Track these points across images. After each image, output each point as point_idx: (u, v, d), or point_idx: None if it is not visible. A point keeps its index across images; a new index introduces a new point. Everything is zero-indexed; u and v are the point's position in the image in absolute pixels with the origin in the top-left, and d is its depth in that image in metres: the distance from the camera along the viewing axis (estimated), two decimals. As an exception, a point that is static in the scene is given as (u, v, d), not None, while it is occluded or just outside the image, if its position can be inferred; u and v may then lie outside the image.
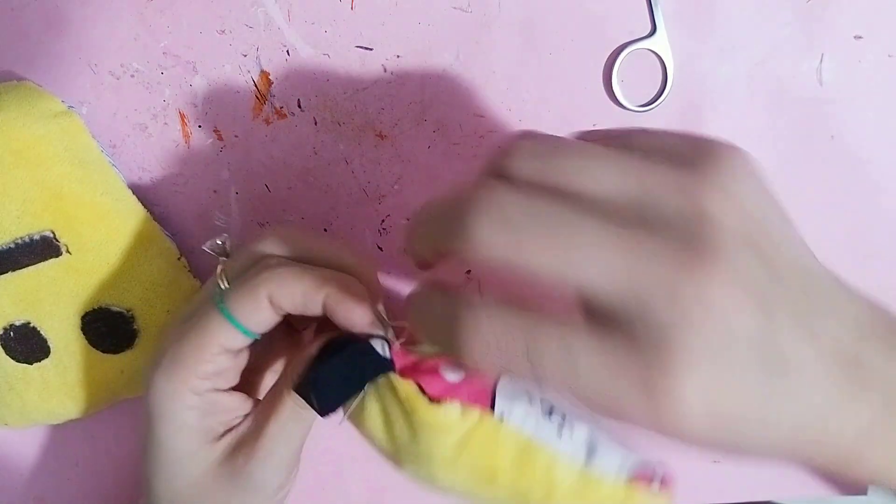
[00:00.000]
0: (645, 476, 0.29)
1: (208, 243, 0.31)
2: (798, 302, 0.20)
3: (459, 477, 0.28)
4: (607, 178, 0.20)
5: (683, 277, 0.18)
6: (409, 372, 0.28)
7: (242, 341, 0.29)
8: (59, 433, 0.39)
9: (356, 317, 0.28)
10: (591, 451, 0.29)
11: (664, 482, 0.30)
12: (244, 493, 0.29)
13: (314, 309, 0.28)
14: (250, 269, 0.29)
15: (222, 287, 0.29)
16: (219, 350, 0.28)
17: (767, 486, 0.43)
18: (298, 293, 0.28)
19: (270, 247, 0.30)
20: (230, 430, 0.30)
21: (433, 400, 0.27)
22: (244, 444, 0.30)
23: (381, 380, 0.28)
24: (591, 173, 0.20)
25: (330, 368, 0.28)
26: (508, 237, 0.20)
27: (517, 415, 0.28)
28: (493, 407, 0.28)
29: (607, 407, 0.19)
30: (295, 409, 0.29)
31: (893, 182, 0.39)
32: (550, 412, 0.29)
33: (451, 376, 0.28)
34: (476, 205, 0.20)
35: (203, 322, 0.28)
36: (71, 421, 0.37)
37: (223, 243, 0.31)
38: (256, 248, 0.30)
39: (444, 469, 0.28)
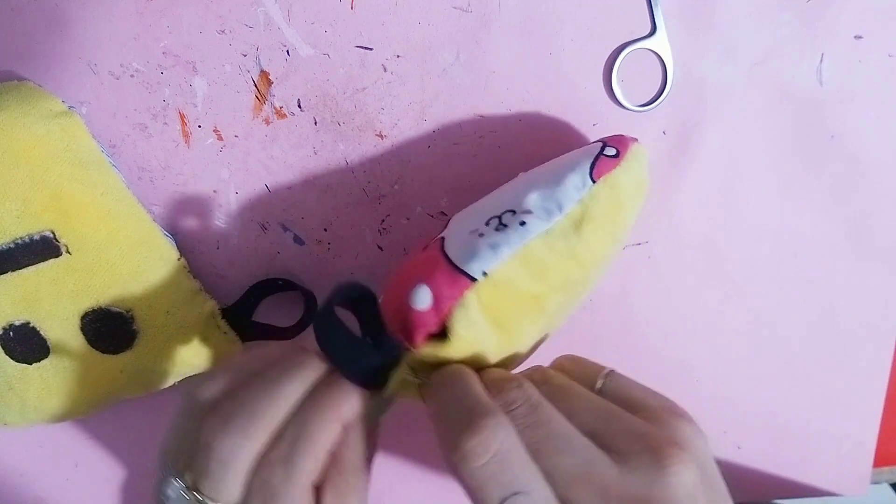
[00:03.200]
0: (604, 167, 0.30)
1: None
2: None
3: (521, 337, 0.30)
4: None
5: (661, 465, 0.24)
6: (404, 338, 0.28)
7: None
8: (59, 433, 0.39)
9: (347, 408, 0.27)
10: (557, 205, 0.29)
11: (619, 146, 0.31)
12: None
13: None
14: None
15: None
16: None
17: (767, 486, 0.43)
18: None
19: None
20: None
21: (438, 336, 0.27)
22: None
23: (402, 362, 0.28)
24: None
25: (349, 344, 0.27)
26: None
27: (490, 256, 0.28)
28: (472, 279, 0.27)
29: None
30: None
31: (893, 182, 0.39)
32: (500, 222, 0.29)
33: (421, 306, 0.28)
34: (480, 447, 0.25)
35: None
36: (71, 421, 0.36)
37: None
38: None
39: (504, 348, 0.29)
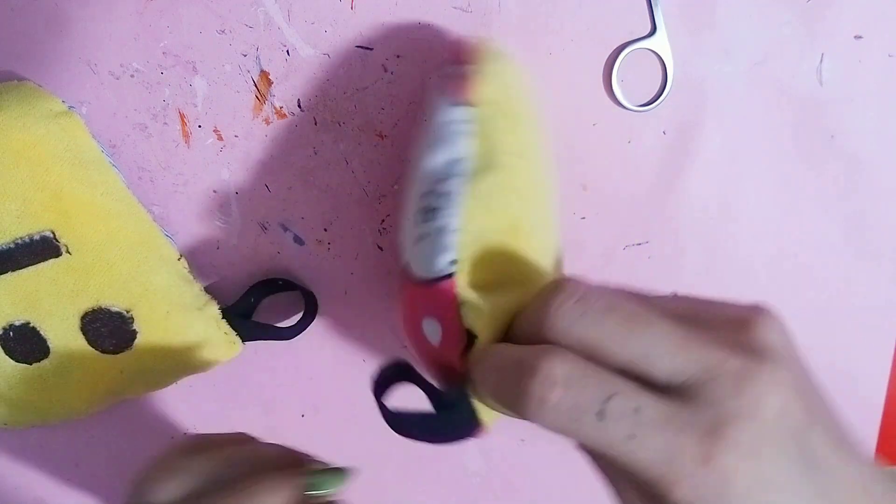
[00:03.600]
0: (460, 89, 0.29)
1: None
2: (830, 426, 0.23)
3: (531, 275, 0.28)
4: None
5: (747, 374, 0.22)
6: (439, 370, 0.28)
7: None
8: (59, 433, 0.39)
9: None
10: (453, 153, 0.28)
11: (462, 60, 0.29)
12: None
13: None
14: None
15: None
16: None
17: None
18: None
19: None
20: None
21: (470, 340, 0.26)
22: None
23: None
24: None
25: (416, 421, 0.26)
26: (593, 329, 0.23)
27: (443, 245, 0.27)
28: (448, 276, 0.26)
29: (658, 470, 0.21)
30: None
31: (893, 182, 0.39)
32: (425, 210, 0.28)
33: (436, 337, 0.27)
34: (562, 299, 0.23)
35: None
36: (71, 421, 0.37)
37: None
38: None
39: (527, 289, 0.27)
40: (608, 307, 0.23)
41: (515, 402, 0.23)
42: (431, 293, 0.27)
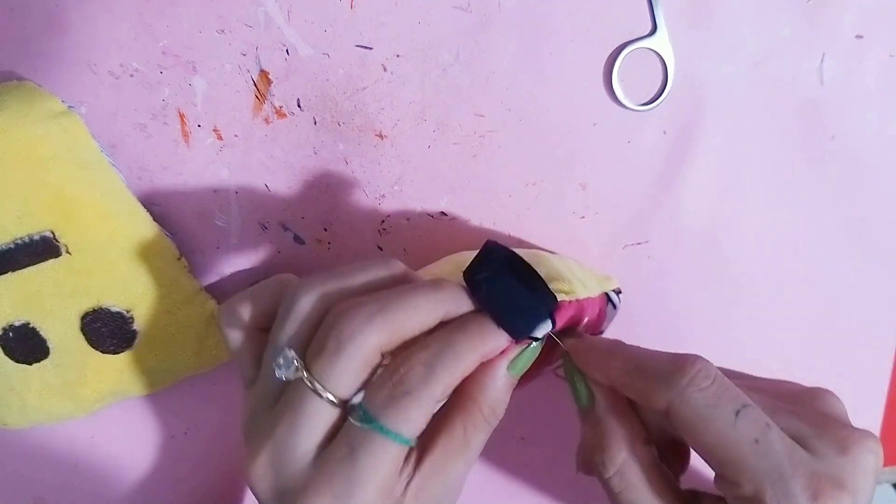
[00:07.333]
0: None
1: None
2: None
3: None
4: None
5: (848, 440, 0.26)
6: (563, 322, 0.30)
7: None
8: (59, 433, 0.39)
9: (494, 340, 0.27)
10: None
11: None
12: None
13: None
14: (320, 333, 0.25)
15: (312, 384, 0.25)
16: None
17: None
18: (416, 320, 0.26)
19: (308, 299, 0.26)
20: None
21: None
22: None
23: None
24: None
25: (505, 284, 0.26)
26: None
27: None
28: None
29: (767, 482, 0.25)
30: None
31: (893, 182, 0.39)
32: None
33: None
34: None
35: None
36: (71, 421, 0.37)
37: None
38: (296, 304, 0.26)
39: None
40: (721, 390, 0.27)
41: (663, 380, 0.26)
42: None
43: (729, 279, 0.40)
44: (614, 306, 0.35)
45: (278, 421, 0.25)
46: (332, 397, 0.24)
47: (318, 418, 0.25)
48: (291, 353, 0.25)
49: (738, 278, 0.40)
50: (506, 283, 0.27)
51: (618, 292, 0.35)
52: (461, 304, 0.27)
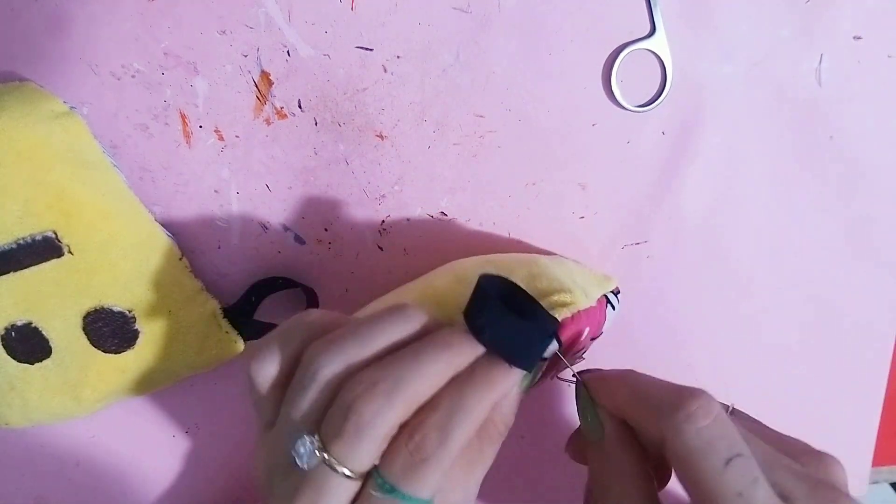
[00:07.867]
0: None
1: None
2: None
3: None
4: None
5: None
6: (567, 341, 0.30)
7: None
8: (60, 433, 0.39)
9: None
10: None
11: None
12: None
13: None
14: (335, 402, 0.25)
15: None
16: None
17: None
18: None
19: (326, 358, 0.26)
20: None
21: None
22: None
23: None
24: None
25: (506, 323, 0.26)
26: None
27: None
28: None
29: None
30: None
31: (893, 182, 0.39)
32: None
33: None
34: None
35: None
36: (72, 420, 0.37)
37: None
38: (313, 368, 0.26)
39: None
40: (717, 433, 0.26)
41: (662, 410, 0.26)
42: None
43: (728, 279, 0.40)
44: (613, 308, 0.35)
45: (297, 496, 0.25)
46: (351, 473, 0.25)
47: (338, 494, 0.25)
48: (312, 443, 0.25)
49: (736, 278, 0.40)
50: (506, 323, 0.26)
51: (616, 293, 0.35)
52: (470, 354, 0.27)
